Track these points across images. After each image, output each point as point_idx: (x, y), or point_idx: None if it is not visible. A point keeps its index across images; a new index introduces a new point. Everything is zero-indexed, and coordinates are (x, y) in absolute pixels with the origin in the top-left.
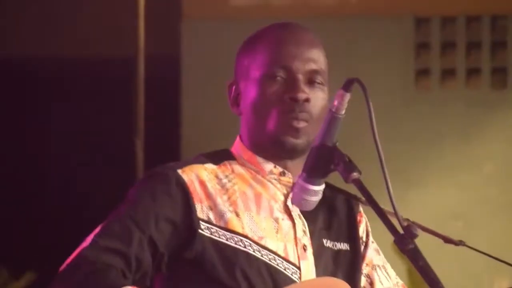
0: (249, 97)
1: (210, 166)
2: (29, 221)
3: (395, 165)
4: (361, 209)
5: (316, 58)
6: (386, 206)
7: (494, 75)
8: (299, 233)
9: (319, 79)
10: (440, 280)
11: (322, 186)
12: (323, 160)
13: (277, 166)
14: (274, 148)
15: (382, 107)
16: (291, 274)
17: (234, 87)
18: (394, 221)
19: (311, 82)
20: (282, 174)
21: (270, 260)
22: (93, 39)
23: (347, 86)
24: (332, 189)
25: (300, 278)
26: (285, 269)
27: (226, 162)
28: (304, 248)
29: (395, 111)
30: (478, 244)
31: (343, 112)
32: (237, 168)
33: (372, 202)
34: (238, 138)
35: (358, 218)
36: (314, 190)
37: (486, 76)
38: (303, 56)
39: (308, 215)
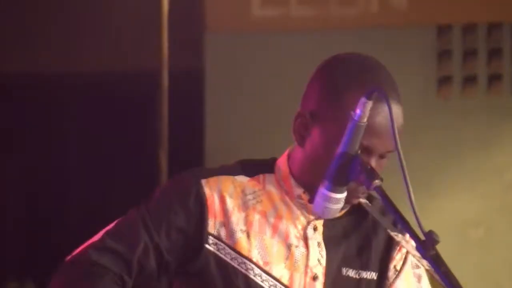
0: (320, 148)
1: (240, 178)
2: (54, 236)
3: (416, 174)
4: (408, 238)
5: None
6: (407, 215)
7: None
8: (312, 262)
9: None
10: (462, 286)
11: (344, 194)
12: (345, 168)
13: (306, 193)
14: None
15: (404, 116)
16: None
17: (308, 118)
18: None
19: (383, 157)
20: (310, 201)
21: (270, 287)
22: (117, 52)
23: (369, 95)
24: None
25: None
26: None
27: (261, 176)
28: (314, 278)
29: (417, 119)
30: (499, 251)
31: (365, 120)
32: (269, 185)
33: (393, 210)
34: (286, 154)
35: (398, 246)
36: (336, 198)
37: (507, 83)
38: (389, 135)
39: (333, 243)
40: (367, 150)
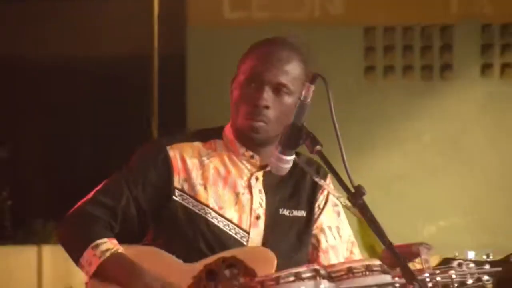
0: (234, 94)
1: (197, 144)
2: (71, 183)
3: (350, 140)
4: (328, 181)
5: (288, 71)
6: (341, 172)
7: (423, 70)
8: (255, 205)
9: (285, 90)
10: (382, 226)
11: (293, 156)
12: (294, 136)
13: (248, 151)
14: (242, 137)
15: (339, 96)
16: (240, 238)
17: (233, 82)
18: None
19: (277, 92)
20: (251, 157)
21: (224, 226)
22: (120, 41)
23: (312, 80)
24: (306, 164)
25: (248, 241)
26: (235, 234)
27: (212, 141)
28: (257, 217)
29: (351, 98)
30: (417, 200)
31: (309, 99)
32: (220, 147)
33: (331, 169)
34: (230, 123)
35: (321, 189)
36: (287, 159)
37: (417, 72)
38: (274, 71)
39: (271, 189)
40: (258, 82)
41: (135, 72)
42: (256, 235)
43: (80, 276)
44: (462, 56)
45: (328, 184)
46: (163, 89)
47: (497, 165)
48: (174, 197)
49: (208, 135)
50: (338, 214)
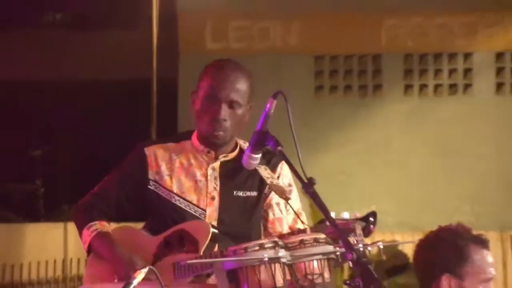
0: (196, 106)
1: (170, 144)
2: (87, 175)
3: (304, 143)
4: (283, 166)
5: (238, 89)
6: (297, 165)
7: (360, 90)
8: (210, 188)
9: (237, 104)
10: (329, 210)
11: (260, 155)
12: (260, 140)
13: (206, 147)
14: (204, 139)
15: (296, 109)
16: (199, 215)
17: (194, 94)
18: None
19: (231, 106)
20: (208, 152)
21: (185, 206)
22: (126, 66)
23: (274, 96)
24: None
25: (205, 217)
26: (195, 212)
27: (182, 142)
28: (212, 198)
29: (304, 110)
30: (356, 191)
31: (272, 111)
32: (187, 146)
33: (289, 164)
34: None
35: (274, 173)
36: (255, 157)
37: (355, 91)
38: (227, 89)
39: (227, 176)
40: (216, 99)
41: (139, 91)
42: (212, 211)
43: None
44: (389, 79)
45: (277, 173)
46: (160, 104)
47: (416, 164)
48: (149, 186)
49: (181, 137)
50: (290, 192)
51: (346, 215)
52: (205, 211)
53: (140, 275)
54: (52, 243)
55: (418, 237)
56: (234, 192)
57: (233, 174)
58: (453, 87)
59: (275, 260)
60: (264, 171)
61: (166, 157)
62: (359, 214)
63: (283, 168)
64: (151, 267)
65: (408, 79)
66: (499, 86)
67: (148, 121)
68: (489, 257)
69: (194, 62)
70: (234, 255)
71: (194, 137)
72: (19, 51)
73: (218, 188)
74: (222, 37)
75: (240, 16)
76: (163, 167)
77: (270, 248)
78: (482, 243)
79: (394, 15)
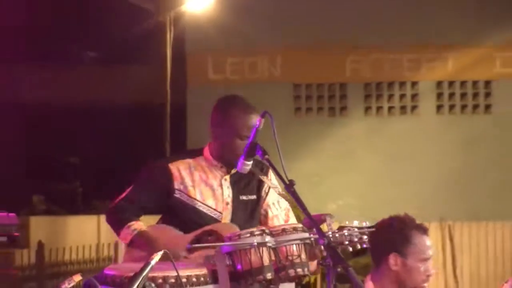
0: (222, 137)
1: (187, 160)
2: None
3: (286, 152)
4: (269, 175)
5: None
6: (281, 170)
7: (329, 110)
8: (225, 196)
9: None
10: (304, 204)
11: (251, 162)
12: (252, 149)
13: (219, 163)
14: (222, 160)
15: (279, 126)
16: (217, 217)
17: (217, 119)
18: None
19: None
20: (221, 167)
21: (206, 210)
22: (147, 93)
23: (262, 115)
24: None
25: (222, 219)
26: (214, 215)
27: (197, 157)
28: (227, 203)
29: (286, 127)
30: (327, 190)
31: (261, 127)
32: (201, 161)
33: (274, 169)
34: (208, 145)
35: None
36: (248, 163)
37: (326, 111)
38: (249, 132)
39: (237, 184)
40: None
41: (156, 113)
42: (227, 214)
43: None
44: (353, 102)
45: (269, 179)
46: (173, 124)
47: (373, 169)
48: (174, 195)
49: (194, 153)
50: (278, 192)
51: (356, 223)
52: (221, 213)
53: (157, 256)
54: (88, 231)
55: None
56: (240, 197)
57: (238, 183)
58: (403, 109)
59: (262, 244)
60: (269, 182)
61: (187, 171)
62: (367, 223)
63: (271, 174)
64: (166, 250)
65: (367, 102)
66: (439, 107)
67: (163, 137)
68: (427, 241)
69: (199, 90)
70: (230, 241)
71: (206, 153)
72: (64, 81)
73: (231, 195)
74: (220, 70)
75: (234, 54)
76: (187, 179)
77: (258, 235)
78: (423, 230)
79: (356, 52)
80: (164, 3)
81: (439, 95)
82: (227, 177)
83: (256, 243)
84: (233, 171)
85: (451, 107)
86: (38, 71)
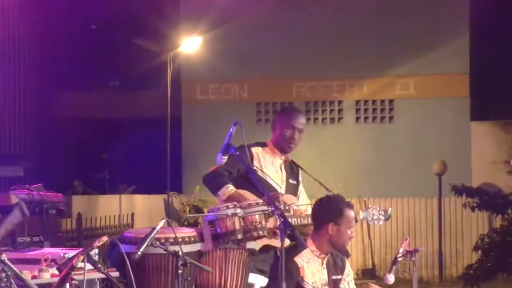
0: (280, 129)
1: (259, 147)
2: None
3: None
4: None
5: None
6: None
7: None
8: (283, 176)
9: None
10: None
11: (226, 157)
12: (226, 147)
13: (279, 152)
14: (279, 147)
15: (245, 132)
16: (279, 189)
17: (276, 123)
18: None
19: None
20: (281, 156)
21: (273, 183)
22: (153, 109)
23: (235, 124)
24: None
25: (280, 190)
26: (276, 186)
27: (265, 147)
28: (283, 181)
29: (250, 134)
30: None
31: (234, 132)
32: (267, 150)
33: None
34: (270, 140)
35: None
36: (224, 158)
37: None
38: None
39: (286, 170)
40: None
41: (160, 124)
42: (283, 188)
43: None
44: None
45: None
46: (172, 132)
47: (313, 160)
48: (254, 168)
49: (262, 144)
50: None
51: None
52: (280, 187)
53: (161, 223)
54: (112, 205)
55: (310, 203)
56: (290, 180)
57: (288, 169)
58: (332, 119)
59: (234, 214)
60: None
61: (260, 154)
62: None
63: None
64: (167, 219)
65: (307, 115)
66: (357, 118)
67: (164, 141)
68: (352, 214)
69: (190, 107)
70: (212, 211)
71: (269, 145)
72: (97, 101)
73: (284, 176)
74: (205, 93)
75: (214, 82)
76: (262, 161)
77: (232, 208)
78: (350, 205)
79: (299, 80)
80: (166, 46)
81: (357, 110)
82: (283, 163)
83: (230, 214)
84: (284, 158)
85: (365, 118)
86: (82, 94)
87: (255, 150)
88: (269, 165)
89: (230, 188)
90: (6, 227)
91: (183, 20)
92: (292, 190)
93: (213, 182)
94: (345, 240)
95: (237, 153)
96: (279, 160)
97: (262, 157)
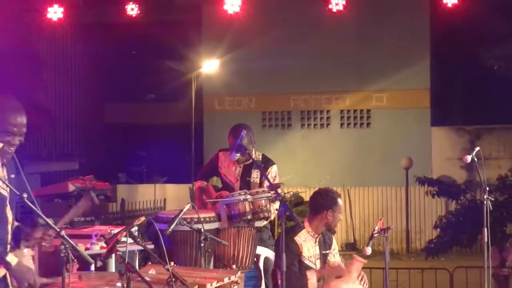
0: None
1: (226, 152)
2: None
3: (256, 149)
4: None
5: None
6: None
7: (282, 127)
8: (236, 174)
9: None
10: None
11: (238, 154)
12: (238, 147)
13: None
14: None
15: (257, 136)
16: (232, 185)
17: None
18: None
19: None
20: (237, 161)
21: (227, 181)
22: (180, 117)
23: (245, 129)
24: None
25: (235, 185)
26: (230, 184)
27: (226, 152)
28: (236, 180)
29: (257, 136)
30: (280, 169)
31: (244, 135)
32: (228, 155)
33: (253, 160)
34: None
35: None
36: (236, 155)
37: (279, 126)
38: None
39: (244, 171)
40: None
41: (185, 129)
42: (237, 186)
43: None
44: (294, 122)
45: (268, 171)
46: (195, 135)
47: (307, 157)
48: (218, 169)
49: (226, 149)
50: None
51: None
52: (234, 184)
53: (187, 206)
54: (148, 192)
55: (305, 191)
56: (246, 178)
57: (245, 169)
58: (322, 125)
59: (245, 199)
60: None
61: (224, 157)
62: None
63: (273, 168)
64: (192, 203)
65: (302, 121)
66: (341, 124)
67: (189, 142)
68: (341, 202)
69: (210, 115)
70: (227, 197)
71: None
72: (137, 112)
73: (239, 176)
74: (221, 104)
75: (228, 96)
76: (224, 162)
77: (243, 194)
78: (339, 195)
79: (295, 94)
80: (190, 67)
81: (341, 118)
82: (240, 166)
83: (242, 199)
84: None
85: (348, 124)
86: (125, 105)
87: (222, 154)
88: (227, 166)
89: (200, 183)
90: (76, 212)
91: (204, 46)
92: (248, 185)
93: (196, 178)
94: (335, 222)
95: (248, 151)
96: (235, 163)
97: (224, 159)
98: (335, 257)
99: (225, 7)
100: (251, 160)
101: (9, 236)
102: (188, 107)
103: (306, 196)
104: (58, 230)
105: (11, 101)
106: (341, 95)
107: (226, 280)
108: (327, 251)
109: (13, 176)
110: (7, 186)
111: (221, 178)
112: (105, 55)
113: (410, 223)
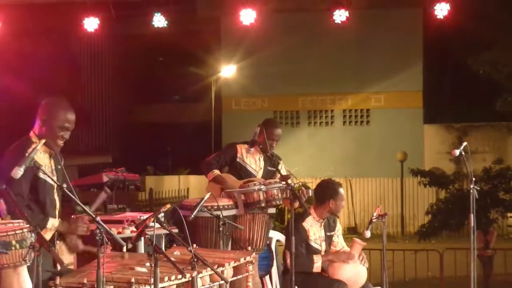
0: (262, 139)
1: (245, 145)
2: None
3: (278, 149)
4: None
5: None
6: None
7: (291, 125)
8: (261, 165)
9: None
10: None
11: (253, 148)
12: (252, 142)
13: (259, 149)
14: (265, 151)
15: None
16: (256, 174)
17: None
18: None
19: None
20: (259, 152)
21: (250, 169)
22: (201, 116)
23: (260, 126)
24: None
25: (258, 174)
26: (254, 172)
27: (248, 146)
28: (260, 168)
29: None
30: (289, 162)
31: (258, 131)
32: (250, 147)
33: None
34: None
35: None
36: (251, 149)
37: (289, 124)
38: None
39: (265, 161)
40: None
41: (206, 127)
42: (260, 173)
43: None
44: (302, 120)
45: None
46: (215, 133)
47: (314, 151)
48: (237, 160)
49: (247, 143)
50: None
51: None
52: (257, 172)
53: (207, 196)
54: (174, 183)
55: (311, 181)
56: (268, 168)
57: (266, 161)
58: (326, 123)
59: (259, 189)
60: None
61: (245, 150)
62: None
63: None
64: (211, 192)
65: (309, 120)
66: (344, 122)
67: (210, 138)
68: (342, 191)
69: (228, 115)
70: (243, 187)
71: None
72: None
73: (262, 166)
74: (238, 105)
75: (244, 97)
76: (244, 154)
77: (257, 185)
78: (340, 185)
79: (303, 95)
80: (211, 71)
81: (344, 116)
82: (262, 157)
83: (256, 189)
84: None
85: (350, 122)
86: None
87: (239, 147)
88: (250, 157)
89: (216, 173)
90: (99, 202)
91: (223, 53)
92: (271, 174)
93: (204, 169)
94: (340, 209)
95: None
96: (258, 154)
97: (244, 151)
98: (338, 237)
99: (241, 19)
100: (269, 153)
101: (57, 219)
102: (208, 107)
103: (313, 185)
104: (94, 216)
105: (64, 101)
106: (343, 96)
107: (242, 260)
108: (332, 233)
109: (59, 167)
110: (53, 176)
111: (241, 168)
112: (135, 62)
113: (404, 209)
